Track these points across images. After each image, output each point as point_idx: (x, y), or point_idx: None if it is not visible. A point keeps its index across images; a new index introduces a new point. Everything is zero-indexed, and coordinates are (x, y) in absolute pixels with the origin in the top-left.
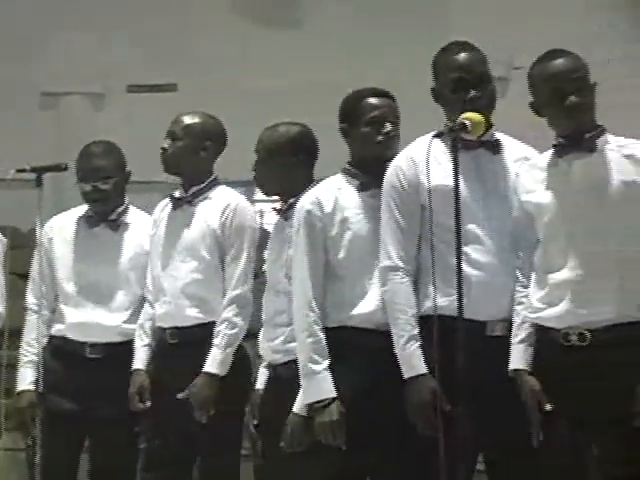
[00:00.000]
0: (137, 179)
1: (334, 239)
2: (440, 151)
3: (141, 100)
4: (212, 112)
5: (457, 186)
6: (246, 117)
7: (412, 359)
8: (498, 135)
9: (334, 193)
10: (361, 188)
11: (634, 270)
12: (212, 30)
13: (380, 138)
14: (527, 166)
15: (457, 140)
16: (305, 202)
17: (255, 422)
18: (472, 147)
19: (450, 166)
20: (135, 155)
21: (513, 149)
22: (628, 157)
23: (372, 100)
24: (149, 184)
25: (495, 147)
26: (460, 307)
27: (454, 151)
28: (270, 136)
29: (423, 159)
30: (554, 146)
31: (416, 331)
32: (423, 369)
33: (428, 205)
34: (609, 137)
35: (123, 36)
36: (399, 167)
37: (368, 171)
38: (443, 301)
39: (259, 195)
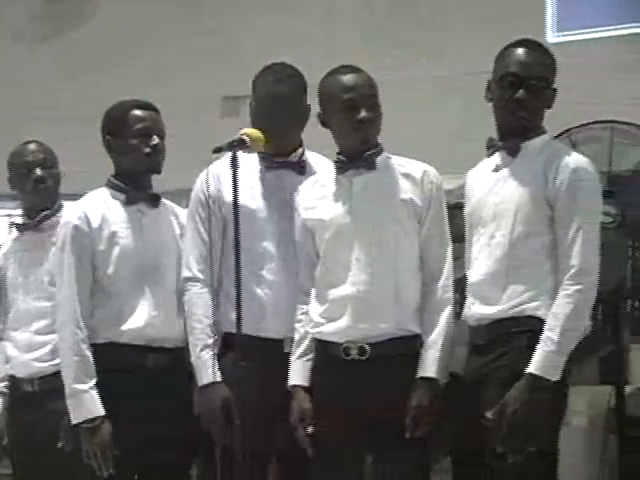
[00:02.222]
0: None
1: (102, 254)
2: (247, 169)
3: None
4: None
5: (236, 202)
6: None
7: (205, 367)
8: (308, 155)
9: (101, 207)
10: (127, 202)
11: (409, 285)
12: None
13: (147, 150)
14: (309, 183)
15: (236, 155)
16: (71, 217)
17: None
18: (277, 167)
19: (247, 185)
20: None
21: (321, 168)
22: (405, 176)
23: (138, 112)
24: None
25: (301, 167)
26: (239, 324)
27: (233, 166)
28: None
29: (226, 174)
30: (335, 162)
31: (210, 340)
32: (216, 377)
33: (230, 220)
34: (387, 156)
35: None
36: (205, 180)
37: (134, 184)
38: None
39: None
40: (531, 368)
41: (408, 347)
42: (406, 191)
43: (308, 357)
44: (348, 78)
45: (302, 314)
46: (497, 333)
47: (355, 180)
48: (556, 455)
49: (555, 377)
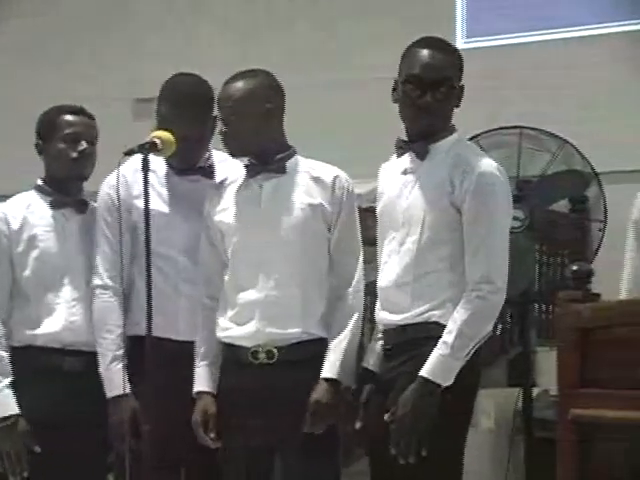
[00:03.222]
0: None
1: (20, 256)
2: (155, 174)
3: None
4: None
5: (147, 203)
6: None
7: (115, 379)
8: (215, 156)
9: (23, 210)
10: (53, 206)
11: (317, 289)
12: None
13: (74, 155)
14: (219, 185)
15: (147, 158)
16: None
17: None
18: (188, 174)
19: (157, 190)
20: None
21: (228, 171)
22: (316, 180)
23: (68, 117)
24: None
25: (210, 172)
26: (149, 327)
27: (145, 169)
28: None
29: (135, 179)
30: (245, 166)
31: (121, 351)
32: (124, 389)
33: (139, 226)
34: (299, 159)
35: None
36: (111, 185)
37: (61, 189)
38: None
39: None
40: (423, 371)
41: (316, 351)
42: (316, 196)
43: (210, 362)
44: (225, 87)
45: (207, 318)
46: (403, 339)
47: (265, 184)
48: (459, 458)
49: (447, 382)
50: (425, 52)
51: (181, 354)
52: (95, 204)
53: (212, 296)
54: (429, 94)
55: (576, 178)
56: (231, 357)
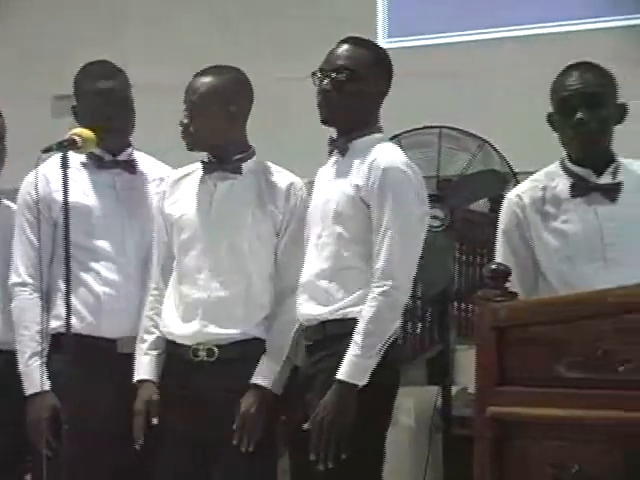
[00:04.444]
0: None
1: None
2: (75, 168)
3: None
4: None
5: (67, 202)
6: None
7: (33, 376)
8: (136, 154)
9: None
10: None
11: (261, 292)
12: None
13: None
14: (176, 176)
15: (67, 156)
16: None
17: None
18: (109, 166)
19: (78, 184)
20: None
21: (151, 169)
22: (271, 185)
23: None
24: None
25: (132, 166)
26: (68, 325)
27: (64, 167)
28: None
29: (55, 176)
30: (202, 162)
31: (39, 348)
32: (44, 386)
33: (60, 222)
34: (257, 161)
35: None
36: (31, 183)
37: None
38: (74, 319)
39: None
40: (339, 374)
41: (256, 351)
42: (269, 201)
43: (156, 352)
44: (194, 80)
45: (151, 310)
46: (322, 335)
47: (219, 184)
48: (380, 457)
49: (362, 381)
50: (338, 47)
51: (103, 351)
52: (7, 202)
53: (163, 286)
54: (326, 81)
55: (495, 178)
56: (172, 353)
